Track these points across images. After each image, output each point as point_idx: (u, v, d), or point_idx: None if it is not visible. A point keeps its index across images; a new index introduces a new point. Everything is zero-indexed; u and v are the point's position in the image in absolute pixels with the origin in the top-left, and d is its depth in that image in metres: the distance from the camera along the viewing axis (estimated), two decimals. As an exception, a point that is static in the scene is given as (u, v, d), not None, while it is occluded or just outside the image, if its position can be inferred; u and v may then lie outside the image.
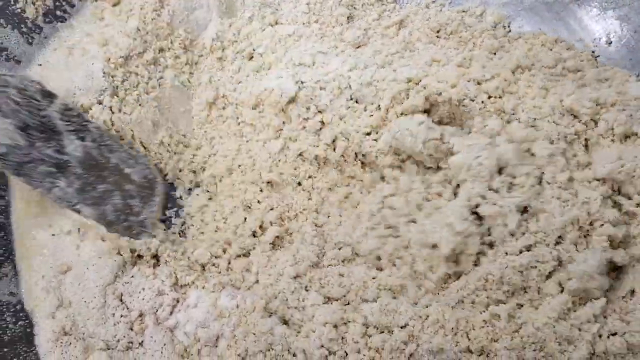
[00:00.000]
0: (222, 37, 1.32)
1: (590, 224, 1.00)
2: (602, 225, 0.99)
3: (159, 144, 1.25)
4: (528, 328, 0.93)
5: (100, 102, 1.20)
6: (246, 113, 1.22)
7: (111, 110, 1.20)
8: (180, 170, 1.27)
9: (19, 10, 1.23)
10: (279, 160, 1.17)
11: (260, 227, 1.16)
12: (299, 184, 1.17)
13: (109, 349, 1.02)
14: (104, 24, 1.29)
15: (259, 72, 1.27)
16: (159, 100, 1.27)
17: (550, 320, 0.93)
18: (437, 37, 1.23)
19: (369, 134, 1.13)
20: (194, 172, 1.26)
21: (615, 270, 0.99)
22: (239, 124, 1.24)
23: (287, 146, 1.16)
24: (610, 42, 1.27)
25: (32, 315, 1.08)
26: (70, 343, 1.02)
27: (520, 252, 1.00)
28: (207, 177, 1.23)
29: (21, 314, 1.07)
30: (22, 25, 1.23)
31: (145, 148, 1.25)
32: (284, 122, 1.18)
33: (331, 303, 1.05)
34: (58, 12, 1.28)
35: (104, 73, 1.21)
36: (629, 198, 1.02)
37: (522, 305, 0.98)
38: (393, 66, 1.18)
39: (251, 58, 1.30)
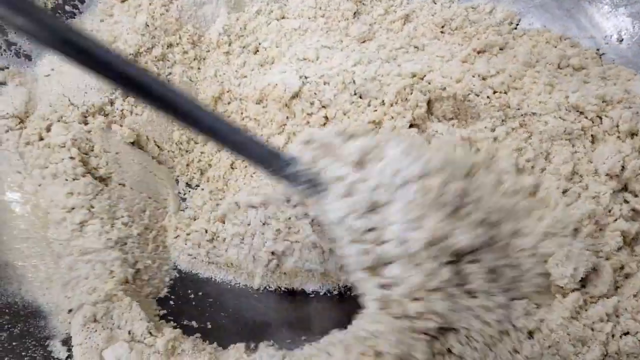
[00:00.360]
0: (229, 32, 1.32)
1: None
2: (616, 220, 0.98)
3: (172, 143, 1.26)
4: (543, 330, 0.92)
5: (111, 102, 1.21)
6: (250, 108, 1.22)
7: (123, 113, 1.21)
8: (187, 165, 1.27)
9: (28, 4, 1.24)
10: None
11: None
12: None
13: (132, 341, 1.03)
14: (113, 21, 1.30)
15: (263, 67, 1.26)
16: (168, 96, 1.27)
17: (564, 321, 0.92)
18: (442, 32, 1.22)
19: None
20: (201, 170, 1.27)
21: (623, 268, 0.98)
22: (243, 119, 1.24)
23: (291, 141, 1.16)
24: (622, 40, 1.26)
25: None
26: (96, 330, 1.03)
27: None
28: (212, 173, 1.24)
29: (29, 311, 1.08)
30: (32, 20, 1.23)
31: (159, 148, 1.25)
32: (287, 117, 1.18)
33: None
34: (67, 8, 1.29)
35: None
36: (635, 195, 1.01)
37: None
38: (397, 61, 1.17)
39: (256, 52, 1.30)
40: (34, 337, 1.05)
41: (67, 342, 1.07)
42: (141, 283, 1.14)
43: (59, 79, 1.21)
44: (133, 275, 1.11)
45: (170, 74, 1.29)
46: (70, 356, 1.04)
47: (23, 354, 1.02)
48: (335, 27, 1.28)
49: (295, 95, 1.16)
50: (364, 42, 1.25)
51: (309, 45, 1.24)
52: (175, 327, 1.10)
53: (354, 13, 1.30)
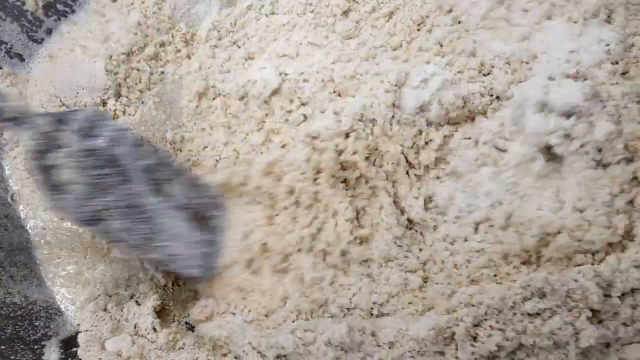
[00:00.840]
0: (218, 27, 1.30)
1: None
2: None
3: (166, 142, 1.25)
4: None
5: (104, 102, 1.21)
6: (233, 104, 1.21)
7: (116, 114, 1.22)
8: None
9: (19, 2, 1.24)
10: (261, 154, 1.15)
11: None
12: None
13: (136, 335, 1.04)
14: (105, 20, 1.30)
15: (247, 61, 1.25)
16: (162, 96, 1.27)
17: None
18: (418, 29, 1.19)
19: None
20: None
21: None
22: (226, 115, 1.22)
23: (270, 139, 1.15)
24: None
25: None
26: (104, 319, 1.06)
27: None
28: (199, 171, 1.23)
29: (19, 314, 1.09)
30: (22, 18, 1.24)
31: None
32: (267, 114, 1.17)
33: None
34: (59, 6, 1.29)
35: (106, 71, 1.22)
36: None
37: None
38: (377, 59, 1.15)
39: (240, 47, 1.28)
40: (23, 341, 1.06)
41: (66, 341, 1.09)
42: (178, 288, 1.16)
43: (50, 80, 1.22)
44: (173, 281, 1.14)
45: (162, 72, 1.29)
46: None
47: (12, 357, 1.03)
48: (323, 23, 1.25)
49: (275, 92, 1.15)
50: (349, 39, 1.22)
51: (290, 42, 1.22)
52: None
53: (345, 10, 1.26)
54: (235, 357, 1.00)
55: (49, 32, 1.28)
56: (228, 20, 1.30)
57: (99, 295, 1.09)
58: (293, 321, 1.02)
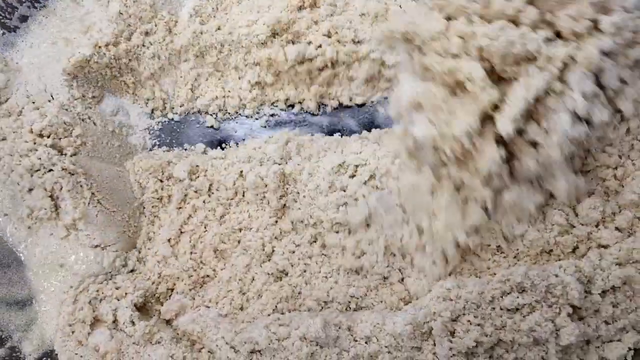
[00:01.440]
0: (200, 12, 1.28)
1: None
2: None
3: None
4: None
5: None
6: None
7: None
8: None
9: (-11, -11, 1.21)
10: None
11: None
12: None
13: (114, 329, 1.02)
14: (84, 11, 1.27)
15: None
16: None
17: None
18: None
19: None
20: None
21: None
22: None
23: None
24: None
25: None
26: (83, 309, 1.03)
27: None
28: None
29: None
30: (-5, 7, 1.21)
31: None
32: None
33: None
34: (35, -5, 1.26)
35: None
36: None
37: None
38: None
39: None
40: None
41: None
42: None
43: (39, 75, 1.20)
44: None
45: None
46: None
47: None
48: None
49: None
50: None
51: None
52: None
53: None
54: (210, 352, 0.98)
55: (25, 19, 1.25)
56: (209, 4, 1.28)
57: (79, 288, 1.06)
58: (268, 315, 1.00)
